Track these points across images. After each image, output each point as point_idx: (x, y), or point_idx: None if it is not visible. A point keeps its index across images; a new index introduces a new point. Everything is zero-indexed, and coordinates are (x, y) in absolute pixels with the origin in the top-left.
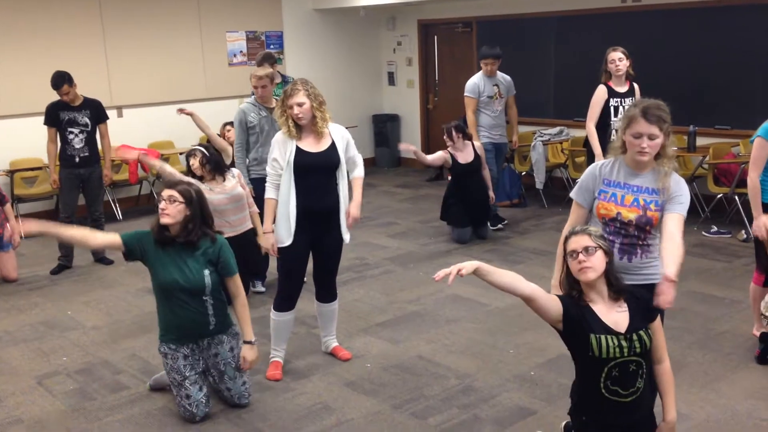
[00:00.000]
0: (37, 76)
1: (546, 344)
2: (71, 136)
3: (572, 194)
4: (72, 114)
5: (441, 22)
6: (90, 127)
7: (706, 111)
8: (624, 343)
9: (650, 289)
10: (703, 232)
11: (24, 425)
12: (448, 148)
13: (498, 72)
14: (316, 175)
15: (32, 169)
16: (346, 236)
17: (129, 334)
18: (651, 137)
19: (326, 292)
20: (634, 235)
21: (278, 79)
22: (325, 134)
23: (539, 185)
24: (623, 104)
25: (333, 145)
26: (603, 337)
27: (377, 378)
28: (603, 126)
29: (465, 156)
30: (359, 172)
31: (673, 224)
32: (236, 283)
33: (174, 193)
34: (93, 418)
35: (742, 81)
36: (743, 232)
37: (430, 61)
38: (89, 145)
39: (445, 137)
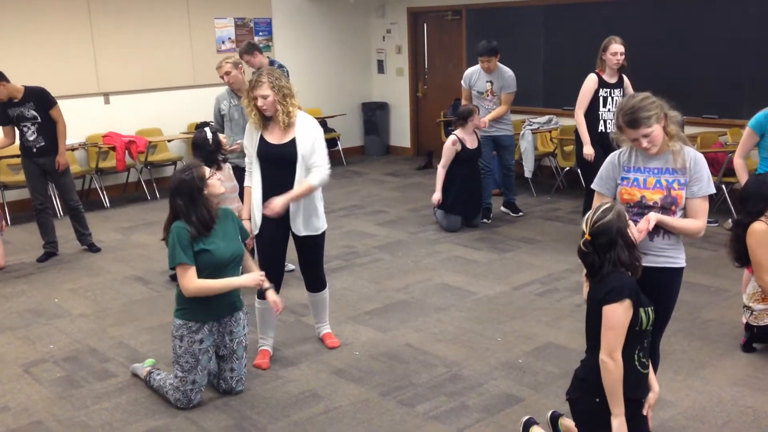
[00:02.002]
0: (23, 62)
1: (533, 332)
2: (25, 130)
3: (594, 185)
4: (18, 109)
5: (430, 10)
6: (39, 118)
7: (694, 100)
8: (651, 314)
9: (671, 273)
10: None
11: (11, 413)
12: (457, 134)
13: (501, 66)
14: (275, 167)
15: (17, 156)
16: (321, 228)
17: (116, 322)
18: (645, 136)
19: (312, 283)
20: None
21: (265, 62)
22: (291, 127)
23: (528, 174)
24: (612, 95)
25: (293, 141)
26: (646, 309)
27: (365, 366)
28: (592, 115)
29: (472, 141)
30: (313, 179)
31: (695, 210)
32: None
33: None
34: (80, 405)
35: (729, 70)
36: (730, 220)
37: (419, 49)
38: (43, 135)
39: (457, 121)
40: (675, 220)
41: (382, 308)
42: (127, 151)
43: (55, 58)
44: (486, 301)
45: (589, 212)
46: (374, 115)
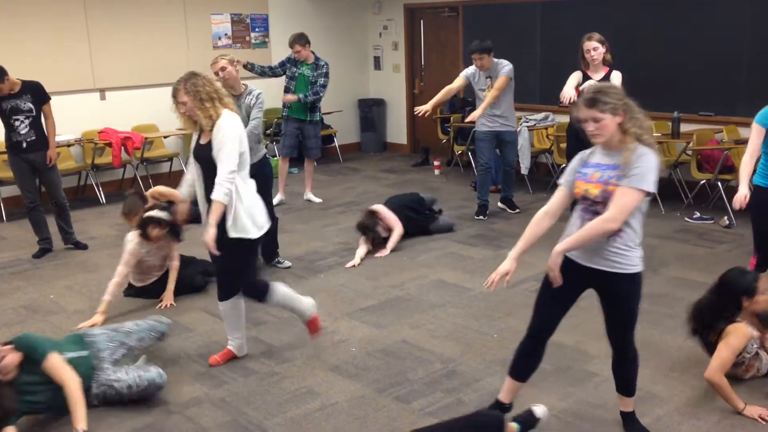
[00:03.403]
0: (18, 58)
1: None
2: (17, 123)
3: (560, 179)
4: (13, 102)
5: (427, 7)
6: (34, 111)
7: (690, 97)
8: None
9: (619, 279)
10: (686, 218)
11: None
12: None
13: (497, 61)
14: (201, 166)
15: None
16: (232, 233)
17: (111, 319)
18: (595, 120)
19: (220, 290)
20: (599, 212)
21: (310, 59)
22: (214, 129)
23: (524, 171)
24: None
25: (210, 143)
26: None
27: (361, 362)
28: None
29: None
30: (215, 195)
31: (614, 198)
32: None
33: None
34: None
35: (725, 68)
36: (726, 218)
37: (416, 45)
38: (35, 129)
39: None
40: (574, 239)
41: (378, 305)
42: (122, 148)
43: (50, 54)
44: (482, 297)
45: None
46: (371, 111)
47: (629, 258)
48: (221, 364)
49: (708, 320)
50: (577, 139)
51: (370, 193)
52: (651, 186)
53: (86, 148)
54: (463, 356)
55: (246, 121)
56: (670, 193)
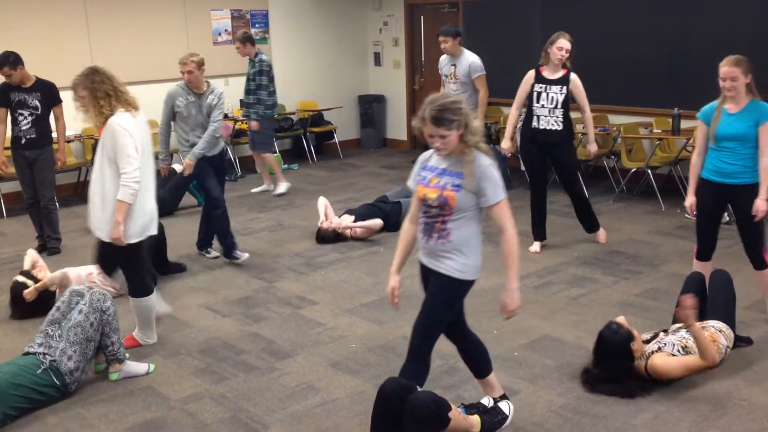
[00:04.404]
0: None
1: (529, 326)
2: (20, 118)
3: (408, 181)
4: (22, 95)
5: (427, 2)
6: (40, 110)
7: (690, 94)
8: None
9: (440, 278)
10: (686, 215)
11: None
12: None
13: (465, 51)
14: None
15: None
16: (100, 233)
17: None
18: (442, 137)
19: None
20: (433, 216)
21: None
22: (105, 127)
23: (524, 167)
24: (549, 91)
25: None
26: None
27: (362, 358)
28: (528, 110)
29: None
30: (120, 195)
31: (496, 218)
32: None
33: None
34: (76, 398)
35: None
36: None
37: (416, 41)
38: (37, 128)
39: None
40: (513, 268)
41: (378, 301)
42: None
43: (50, 50)
44: (482, 293)
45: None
46: (371, 107)
47: (457, 262)
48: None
49: (613, 380)
50: (533, 143)
51: (370, 189)
52: (503, 193)
53: (86, 144)
54: None
55: (202, 119)
56: (670, 190)
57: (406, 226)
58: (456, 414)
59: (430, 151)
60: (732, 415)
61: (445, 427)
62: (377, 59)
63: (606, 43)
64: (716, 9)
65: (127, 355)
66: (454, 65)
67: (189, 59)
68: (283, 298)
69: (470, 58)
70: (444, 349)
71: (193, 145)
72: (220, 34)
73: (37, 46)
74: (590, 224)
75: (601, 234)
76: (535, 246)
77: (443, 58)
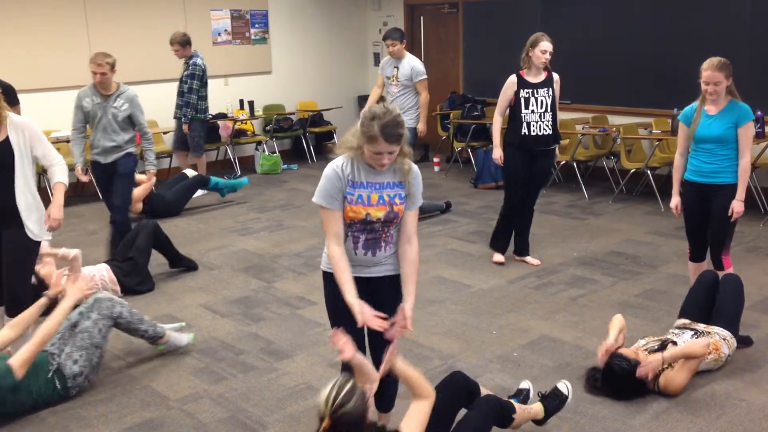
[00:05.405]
0: (18, 55)
1: (529, 326)
2: None
3: (320, 201)
4: None
5: (427, 3)
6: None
7: (690, 94)
8: None
9: (395, 280)
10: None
11: None
12: None
13: (409, 55)
14: None
15: None
16: (34, 235)
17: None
18: (390, 153)
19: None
20: (379, 230)
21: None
22: (2, 128)
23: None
24: (536, 95)
25: (6, 140)
26: None
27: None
28: (516, 118)
29: None
30: (57, 176)
31: (410, 225)
32: None
33: None
34: (75, 397)
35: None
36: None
37: (416, 42)
38: None
39: None
40: (413, 285)
41: None
42: None
43: (50, 51)
44: (481, 294)
45: (328, 390)
46: None
47: (396, 260)
48: None
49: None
50: (520, 150)
51: None
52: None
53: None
54: (462, 353)
55: (106, 122)
56: (670, 191)
57: (338, 250)
58: (519, 410)
59: (340, 165)
60: (730, 416)
61: (507, 426)
62: (377, 60)
63: (606, 43)
64: (716, 9)
65: (165, 327)
66: (397, 68)
67: (104, 61)
68: (282, 299)
69: (413, 62)
70: (444, 349)
71: (101, 149)
72: (219, 34)
73: (36, 46)
74: (524, 246)
75: (531, 259)
76: (498, 256)
77: (385, 60)
